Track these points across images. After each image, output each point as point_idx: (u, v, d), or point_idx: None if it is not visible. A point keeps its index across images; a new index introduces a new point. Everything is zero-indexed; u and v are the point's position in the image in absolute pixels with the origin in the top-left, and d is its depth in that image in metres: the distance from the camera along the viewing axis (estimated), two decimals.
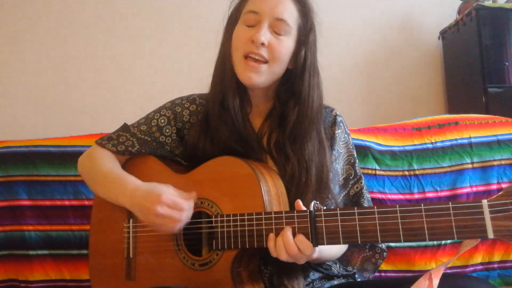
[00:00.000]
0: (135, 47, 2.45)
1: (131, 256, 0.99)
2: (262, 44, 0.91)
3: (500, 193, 0.67)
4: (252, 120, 1.02)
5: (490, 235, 0.66)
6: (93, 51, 2.42)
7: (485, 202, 0.67)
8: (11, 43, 2.38)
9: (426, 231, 0.70)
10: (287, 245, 0.78)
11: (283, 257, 0.79)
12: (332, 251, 0.92)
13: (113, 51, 2.43)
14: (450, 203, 0.69)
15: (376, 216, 0.74)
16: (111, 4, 2.46)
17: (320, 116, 0.98)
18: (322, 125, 1.00)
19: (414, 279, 0.74)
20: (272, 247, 0.81)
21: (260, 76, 0.93)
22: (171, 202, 0.86)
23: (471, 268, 1.34)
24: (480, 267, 1.34)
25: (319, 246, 0.79)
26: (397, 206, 0.73)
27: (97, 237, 1.06)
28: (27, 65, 2.37)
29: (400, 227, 0.72)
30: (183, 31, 2.47)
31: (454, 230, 0.68)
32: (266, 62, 0.93)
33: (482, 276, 1.34)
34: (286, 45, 0.94)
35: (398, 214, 0.73)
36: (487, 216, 0.66)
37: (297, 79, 0.96)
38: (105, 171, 1.00)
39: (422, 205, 0.71)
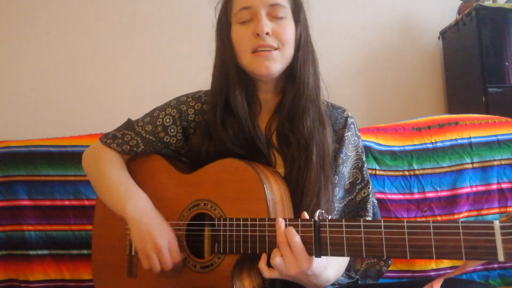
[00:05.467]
0: (135, 47, 2.45)
1: (133, 253, 0.98)
2: (267, 33, 0.90)
3: None
4: (259, 119, 1.00)
5: (501, 258, 0.63)
6: (93, 51, 2.42)
7: (496, 223, 0.64)
8: (11, 43, 2.37)
9: (433, 249, 0.67)
10: (289, 234, 0.76)
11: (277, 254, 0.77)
12: (330, 274, 0.85)
13: (113, 51, 2.43)
14: (460, 222, 0.67)
15: (383, 230, 0.71)
16: (111, 4, 2.46)
17: (318, 94, 0.96)
18: (326, 110, 0.98)
19: (415, 283, 0.73)
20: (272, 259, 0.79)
21: (275, 63, 0.91)
22: (174, 248, 0.88)
23: (471, 268, 1.34)
24: (480, 267, 1.34)
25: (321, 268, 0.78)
26: (405, 221, 0.70)
27: (100, 232, 1.06)
28: (27, 65, 2.37)
29: (407, 243, 0.69)
30: (183, 30, 2.47)
31: (463, 250, 0.65)
32: (276, 49, 0.91)
33: (482, 276, 1.34)
34: (289, 27, 0.93)
35: (406, 230, 0.69)
36: (498, 238, 0.63)
37: (294, 60, 0.95)
38: (113, 179, 0.98)
39: (431, 221, 0.68)
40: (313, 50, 0.98)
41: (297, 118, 0.93)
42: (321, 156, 0.92)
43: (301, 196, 0.90)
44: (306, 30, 0.97)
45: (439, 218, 1.34)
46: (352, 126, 1.03)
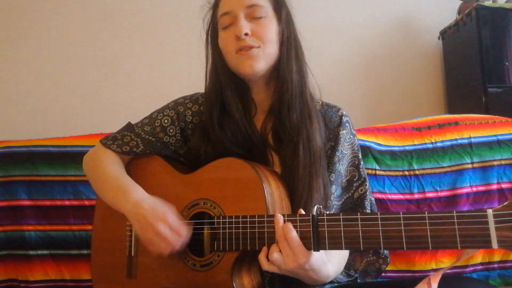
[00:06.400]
0: (135, 47, 2.45)
1: (132, 254, 0.99)
2: (246, 34, 0.92)
3: (506, 203, 0.66)
4: (256, 120, 1.02)
5: (495, 245, 0.65)
6: (93, 51, 2.42)
7: (490, 211, 0.66)
8: (11, 43, 2.38)
9: (429, 239, 0.69)
10: (286, 229, 0.77)
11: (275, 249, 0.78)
12: (330, 270, 0.86)
13: (113, 51, 2.43)
14: (454, 212, 0.69)
15: (379, 222, 0.73)
16: (111, 4, 2.46)
17: (304, 89, 0.97)
18: (311, 101, 0.99)
19: (414, 281, 0.74)
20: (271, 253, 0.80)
21: (258, 61, 0.93)
22: (174, 225, 0.87)
23: (471, 268, 1.34)
24: (480, 267, 1.34)
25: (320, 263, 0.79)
26: (401, 213, 0.72)
27: (100, 234, 1.06)
28: (27, 65, 2.38)
29: (403, 234, 0.71)
30: (183, 31, 2.47)
31: (458, 239, 0.67)
32: (257, 47, 0.94)
33: (482, 276, 1.34)
34: (269, 25, 0.95)
35: (402, 221, 0.72)
36: (491, 226, 0.66)
37: (279, 58, 0.97)
38: (110, 176, 1.00)
39: (426, 212, 0.70)
40: (297, 46, 1.00)
41: (283, 114, 0.95)
42: (309, 149, 0.93)
43: (292, 189, 0.91)
44: (289, 27, 0.99)
45: None
46: (347, 124, 1.04)
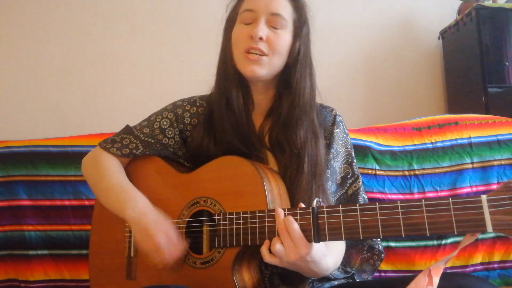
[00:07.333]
0: (136, 47, 2.45)
1: (131, 255, 0.99)
2: (261, 38, 0.93)
3: (499, 188, 0.68)
4: (254, 118, 1.04)
5: (489, 229, 0.67)
6: (93, 51, 2.42)
7: (484, 197, 0.68)
8: (11, 43, 2.38)
9: (426, 226, 0.71)
10: (287, 221, 0.78)
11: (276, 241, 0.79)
12: (329, 262, 0.88)
13: (114, 51, 2.43)
14: (450, 198, 0.71)
15: (378, 212, 0.75)
16: (112, 4, 2.46)
17: (312, 106, 1.00)
18: (318, 118, 1.01)
19: (414, 278, 0.74)
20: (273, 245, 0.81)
21: (262, 68, 0.95)
22: (172, 242, 0.89)
23: (471, 268, 1.34)
24: (480, 267, 1.34)
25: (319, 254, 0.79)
26: (398, 201, 0.74)
27: (98, 236, 1.06)
28: (27, 65, 2.38)
29: (401, 222, 0.73)
30: (184, 31, 2.47)
31: (454, 225, 0.69)
32: (266, 55, 0.95)
33: (482, 276, 1.34)
34: (284, 38, 0.96)
35: (399, 210, 0.73)
36: (486, 210, 0.68)
37: (291, 71, 0.98)
38: (113, 183, 1.00)
39: (423, 200, 0.72)
40: (311, 64, 1.02)
41: (291, 127, 0.97)
42: (313, 165, 0.95)
43: (293, 199, 0.92)
44: (306, 44, 1.01)
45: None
46: (340, 123, 1.07)
